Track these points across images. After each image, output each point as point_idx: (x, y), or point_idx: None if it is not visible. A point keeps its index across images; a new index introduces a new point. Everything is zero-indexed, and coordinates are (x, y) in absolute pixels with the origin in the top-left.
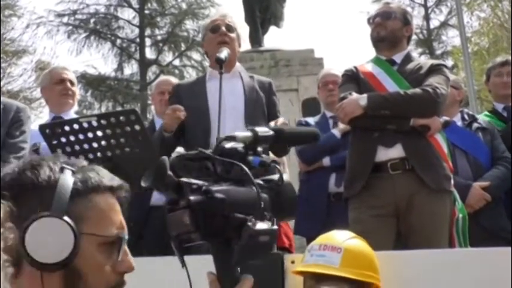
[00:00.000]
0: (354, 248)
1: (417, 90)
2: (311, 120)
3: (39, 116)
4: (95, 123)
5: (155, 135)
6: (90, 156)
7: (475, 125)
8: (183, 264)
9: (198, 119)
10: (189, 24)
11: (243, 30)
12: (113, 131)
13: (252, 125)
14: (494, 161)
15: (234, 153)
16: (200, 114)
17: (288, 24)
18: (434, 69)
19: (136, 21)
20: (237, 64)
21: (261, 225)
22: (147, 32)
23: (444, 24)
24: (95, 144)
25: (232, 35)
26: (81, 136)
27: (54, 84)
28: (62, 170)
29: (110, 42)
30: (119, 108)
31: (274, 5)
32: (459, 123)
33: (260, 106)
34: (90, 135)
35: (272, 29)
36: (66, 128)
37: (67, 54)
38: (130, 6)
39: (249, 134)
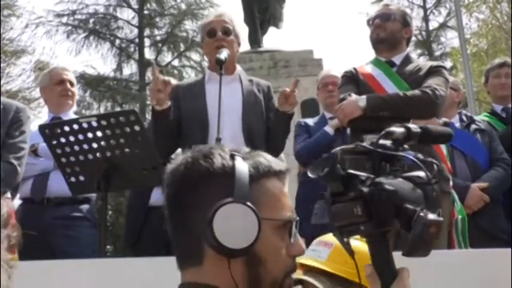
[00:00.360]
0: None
1: (416, 91)
2: (310, 121)
3: (38, 116)
4: (94, 124)
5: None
6: (90, 156)
7: (473, 126)
8: (351, 253)
9: (196, 120)
10: (188, 25)
11: (242, 30)
12: (113, 131)
13: (249, 129)
14: (492, 162)
15: (386, 149)
16: (198, 116)
17: (287, 25)
18: (433, 71)
19: (135, 21)
20: (238, 68)
21: (431, 216)
22: (146, 32)
23: (443, 26)
24: (94, 145)
25: (230, 37)
26: (80, 136)
27: (54, 85)
28: (232, 157)
29: (109, 43)
30: (118, 109)
31: (274, 6)
32: (457, 124)
33: (258, 109)
34: (89, 135)
35: (271, 29)
36: (66, 128)
37: (66, 54)
38: (129, 6)
39: (402, 130)
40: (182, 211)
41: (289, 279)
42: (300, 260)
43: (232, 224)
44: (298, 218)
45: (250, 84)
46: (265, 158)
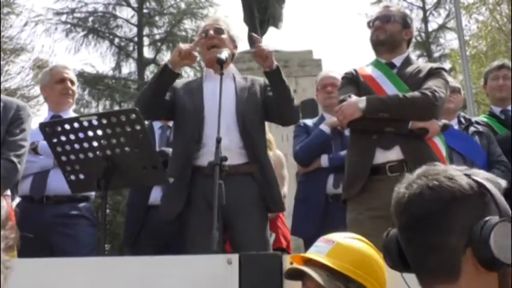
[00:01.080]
0: (348, 244)
1: (416, 93)
2: (309, 122)
3: (36, 113)
4: (95, 122)
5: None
6: (90, 155)
7: (472, 128)
8: None
9: (192, 116)
10: (188, 24)
11: (242, 30)
12: (113, 130)
13: (244, 123)
14: (491, 164)
15: None
16: (194, 112)
17: (287, 25)
18: (433, 73)
19: (134, 20)
20: (231, 66)
21: None
22: (146, 31)
23: (442, 27)
24: (94, 143)
25: (223, 36)
26: (81, 135)
27: (55, 83)
28: (468, 176)
29: (108, 41)
30: (116, 107)
31: (273, 6)
32: (456, 127)
33: (252, 106)
34: (90, 134)
35: (271, 29)
36: (67, 126)
37: (65, 52)
38: (128, 5)
39: None
40: (433, 232)
41: None
42: (302, 253)
43: (504, 240)
44: None
45: (244, 81)
46: (486, 173)
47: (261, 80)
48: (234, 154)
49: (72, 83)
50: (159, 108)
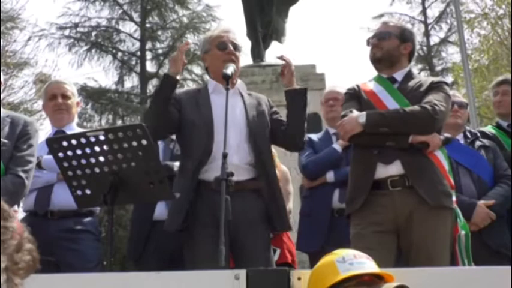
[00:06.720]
0: None
1: (415, 107)
2: (314, 136)
3: (39, 128)
4: (102, 137)
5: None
6: (96, 170)
7: (478, 143)
8: None
9: (201, 129)
10: (190, 38)
11: (245, 45)
12: (120, 145)
13: (255, 139)
14: (497, 178)
15: None
16: (204, 125)
17: (290, 39)
18: (434, 87)
19: (137, 34)
20: (238, 81)
21: None
22: (148, 45)
23: (444, 41)
24: (101, 159)
25: (238, 53)
26: (87, 150)
27: (48, 100)
28: None
29: (111, 55)
30: (119, 121)
31: (276, 21)
32: (462, 141)
33: (261, 120)
34: (96, 149)
35: (274, 44)
36: (73, 141)
37: (68, 66)
38: (131, 19)
39: None
40: None
41: None
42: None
43: None
44: None
45: (250, 98)
46: None
47: (265, 98)
48: (242, 170)
49: (66, 97)
50: (168, 122)
